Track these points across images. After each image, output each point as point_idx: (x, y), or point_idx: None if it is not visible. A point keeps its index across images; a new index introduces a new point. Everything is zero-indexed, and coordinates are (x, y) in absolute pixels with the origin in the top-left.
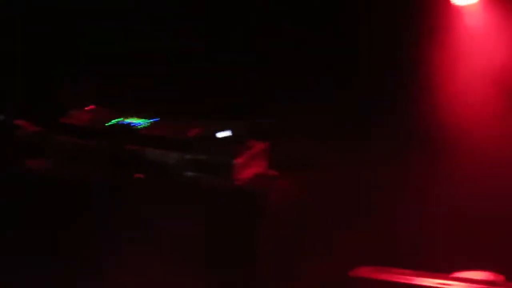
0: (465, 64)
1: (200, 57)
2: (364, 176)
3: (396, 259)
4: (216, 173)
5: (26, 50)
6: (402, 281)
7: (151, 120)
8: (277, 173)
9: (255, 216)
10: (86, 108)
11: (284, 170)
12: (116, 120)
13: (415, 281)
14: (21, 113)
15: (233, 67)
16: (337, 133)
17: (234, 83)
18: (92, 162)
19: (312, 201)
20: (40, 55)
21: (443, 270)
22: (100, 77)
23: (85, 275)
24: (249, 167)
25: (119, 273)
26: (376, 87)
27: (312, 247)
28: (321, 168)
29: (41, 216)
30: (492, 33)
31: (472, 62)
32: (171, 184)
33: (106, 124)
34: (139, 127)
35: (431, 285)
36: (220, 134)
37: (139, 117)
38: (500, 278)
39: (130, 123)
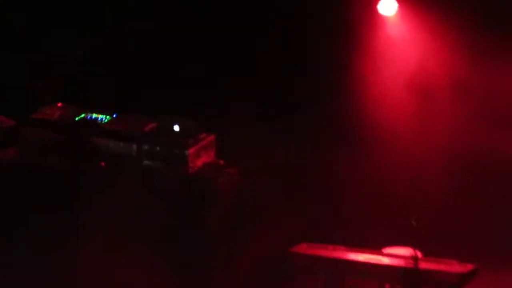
0: (387, 65)
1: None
2: (299, 165)
3: (329, 236)
4: (170, 162)
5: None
6: (335, 256)
7: (112, 116)
8: (223, 162)
9: (205, 199)
10: (55, 105)
11: (229, 159)
12: (82, 115)
13: (346, 255)
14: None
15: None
16: (276, 130)
17: (182, 84)
18: (60, 152)
19: (254, 186)
20: (14, 57)
21: (369, 245)
22: (67, 78)
23: (51, 249)
24: (199, 157)
25: (84, 248)
26: (309, 88)
27: (255, 226)
28: (262, 158)
29: (12, 198)
30: (409, 39)
31: (393, 64)
32: (130, 171)
33: (73, 119)
34: (101, 122)
35: (360, 259)
36: (173, 128)
37: (101, 113)
38: (418, 253)
39: (93, 118)
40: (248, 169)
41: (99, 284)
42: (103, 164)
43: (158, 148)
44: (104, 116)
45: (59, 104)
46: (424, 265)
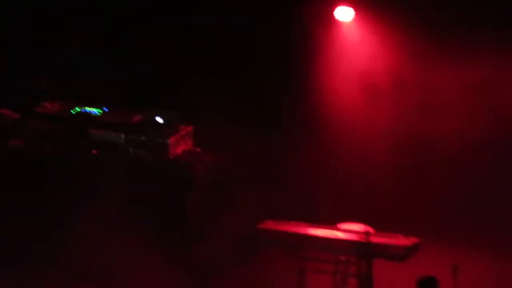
0: (342, 66)
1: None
2: (267, 154)
3: (291, 215)
4: (153, 150)
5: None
6: (297, 231)
7: (103, 110)
8: (200, 150)
9: (184, 183)
10: (54, 100)
11: (206, 148)
12: (77, 109)
13: (306, 231)
14: (4, 104)
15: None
16: (248, 126)
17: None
18: (58, 141)
19: (227, 171)
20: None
21: (328, 222)
22: (64, 76)
23: (49, 226)
24: (179, 146)
25: (79, 227)
26: (277, 88)
27: (228, 206)
28: (234, 147)
29: (18, 181)
30: (362, 43)
31: (348, 66)
32: (118, 158)
33: (69, 112)
34: (94, 115)
35: (318, 233)
36: (157, 119)
37: (94, 107)
38: (370, 229)
39: (87, 111)
40: (222, 157)
41: (92, 255)
42: (95, 151)
43: (143, 138)
44: (96, 109)
45: (58, 99)
46: (374, 239)
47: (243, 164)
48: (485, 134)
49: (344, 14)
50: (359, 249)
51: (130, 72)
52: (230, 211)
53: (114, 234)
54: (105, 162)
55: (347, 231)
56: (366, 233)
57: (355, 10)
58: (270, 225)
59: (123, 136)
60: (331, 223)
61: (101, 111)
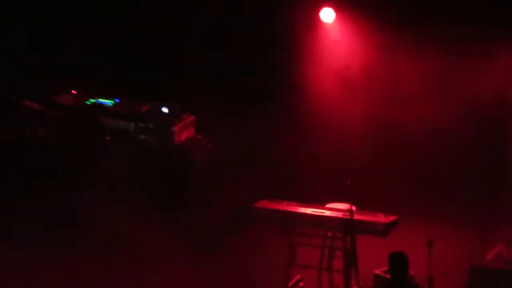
0: (324, 63)
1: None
2: (261, 142)
3: (283, 195)
4: (160, 136)
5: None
6: (288, 209)
7: (115, 101)
8: (201, 137)
9: (187, 165)
10: (70, 92)
11: (206, 135)
12: (91, 100)
13: (297, 209)
14: (26, 95)
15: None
16: (242, 118)
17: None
18: (75, 130)
19: (226, 155)
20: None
21: (315, 202)
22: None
23: (69, 203)
24: (183, 133)
25: (94, 203)
26: (263, 84)
27: (226, 185)
28: (232, 136)
29: (38, 165)
30: (343, 41)
31: (329, 62)
32: (129, 144)
33: (85, 103)
34: (107, 105)
35: (308, 212)
36: (163, 110)
37: (106, 98)
38: (353, 207)
39: (100, 102)
40: (221, 144)
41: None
42: (108, 138)
43: (151, 126)
44: (109, 100)
45: (74, 92)
46: (357, 216)
47: (241, 150)
48: (447, 119)
49: (327, 15)
50: (344, 226)
51: (136, 69)
52: (227, 190)
53: (125, 208)
54: (117, 147)
55: (333, 209)
56: (350, 211)
57: (336, 12)
58: (264, 203)
59: (132, 124)
60: (319, 203)
61: (113, 102)
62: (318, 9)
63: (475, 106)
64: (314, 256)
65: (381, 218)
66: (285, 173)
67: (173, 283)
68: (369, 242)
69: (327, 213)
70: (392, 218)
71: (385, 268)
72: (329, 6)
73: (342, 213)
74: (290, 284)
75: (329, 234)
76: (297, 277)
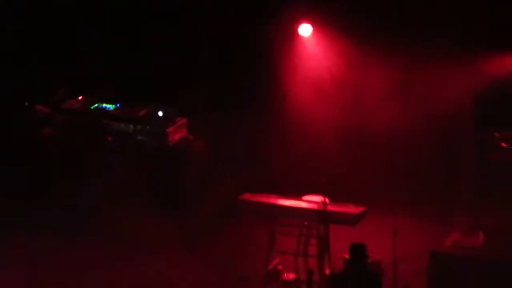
0: (301, 73)
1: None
2: (248, 144)
3: (265, 189)
4: (156, 137)
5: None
6: (270, 201)
7: (116, 105)
8: (193, 137)
9: (180, 164)
10: (76, 98)
11: (197, 136)
12: (95, 105)
13: (278, 201)
14: (38, 100)
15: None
16: (230, 121)
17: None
18: (81, 132)
19: (215, 154)
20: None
21: (293, 194)
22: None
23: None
24: (176, 134)
25: (97, 197)
26: (250, 88)
27: (215, 182)
28: (219, 135)
29: (49, 164)
30: (318, 54)
31: (306, 73)
32: (128, 144)
33: (89, 108)
34: (109, 109)
35: (287, 204)
36: (158, 113)
37: (109, 103)
38: (327, 199)
39: (103, 107)
40: (211, 144)
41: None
42: (110, 138)
43: (148, 128)
44: (111, 105)
45: (80, 97)
46: (330, 207)
47: (230, 150)
48: (409, 122)
49: (304, 30)
50: (318, 216)
51: (133, 75)
52: (217, 185)
53: (124, 202)
54: (118, 147)
55: (310, 201)
56: (324, 203)
57: (313, 26)
58: (249, 196)
59: (132, 126)
60: (297, 196)
61: (114, 106)
62: (297, 24)
63: (434, 110)
64: (292, 243)
65: (351, 209)
66: (267, 169)
67: (170, 269)
68: (340, 230)
69: (304, 204)
70: (361, 209)
71: None
72: (307, 22)
73: (317, 205)
74: (270, 267)
75: (305, 223)
76: (276, 260)
